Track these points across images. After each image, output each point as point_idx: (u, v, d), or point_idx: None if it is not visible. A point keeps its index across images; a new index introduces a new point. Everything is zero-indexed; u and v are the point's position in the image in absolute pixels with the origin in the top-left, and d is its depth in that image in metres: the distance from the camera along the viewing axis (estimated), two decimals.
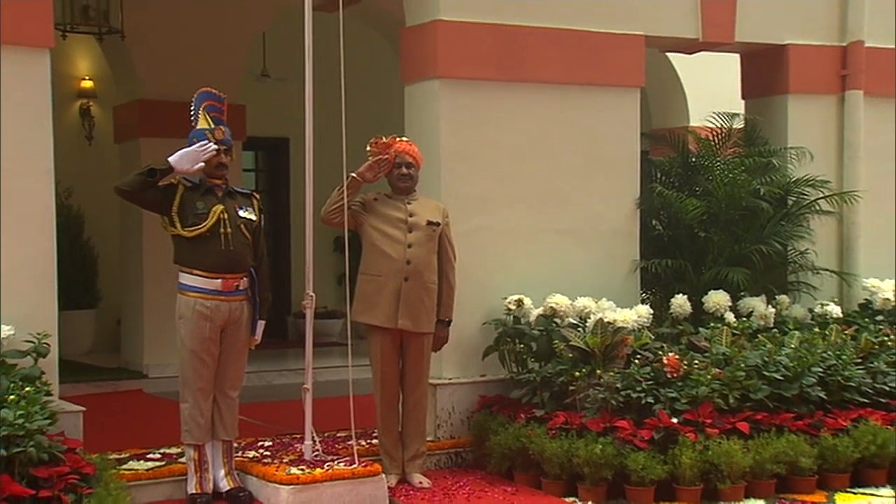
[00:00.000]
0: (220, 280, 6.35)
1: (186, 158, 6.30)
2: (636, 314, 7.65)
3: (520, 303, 7.55)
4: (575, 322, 7.56)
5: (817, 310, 8.69)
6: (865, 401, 7.47)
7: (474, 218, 7.59)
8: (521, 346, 7.50)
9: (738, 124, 9.50)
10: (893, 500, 6.96)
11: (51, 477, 5.24)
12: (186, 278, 6.39)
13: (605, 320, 7.38)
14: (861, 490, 7.07)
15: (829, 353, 7.60)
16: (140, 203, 6.58)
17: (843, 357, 7.59)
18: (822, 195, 8.95)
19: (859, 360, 7.70)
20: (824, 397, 7.31)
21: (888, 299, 8.88)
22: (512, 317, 7.57)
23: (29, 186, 6.32)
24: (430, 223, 6.84)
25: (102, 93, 12.33)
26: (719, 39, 8.87)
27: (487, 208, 7.73)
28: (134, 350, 10.76)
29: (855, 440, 7.12)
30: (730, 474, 6.66)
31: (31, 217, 6.35)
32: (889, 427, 7.29)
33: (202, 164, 6.32)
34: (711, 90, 11.49)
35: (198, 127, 6.45)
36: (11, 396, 5.40)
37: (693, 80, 12.51)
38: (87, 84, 12.56)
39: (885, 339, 8.10)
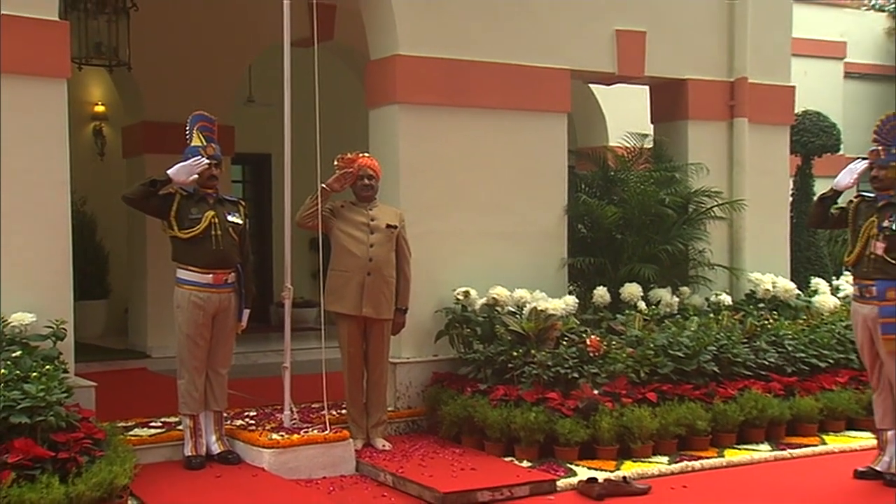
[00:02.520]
0: (211, 275, 6.39)
1: (183, 171, 6.33)
2: (564, 303, 7.66)
3: (466, 294, 7.53)
4: (513, 310, 7.55)
5: (712, 299, 8.76)
6: (749, 373, 7.58)
7: (428, 222, 7.56)
8: (468, 330, 7.50)
9: (648, 144, 9.57)
10: (769, 452, 7.05)
11: (68, 441, 5.24)
12: (182, 273, 6.43)
13: (539, 308, 7.40)
14: (745, 446, 7.15)
15: (722, 334, 7.69)
16: (143, 209, 6.66)
17: (732, 338, 7.70)
18: (715, 203, 9.01)
19: (745, 340, 7.82)
20: (717, 371, 7.39)
21: (768, 290, 8.97)
22: (460, 306, 7.55)
23: (48, 195, 6.27)
24: (389, 226, 6.83)
25: (113, 116, 12.28)
26: (632, 73, 8.90)
27: (439, 214, 7.70)
28: (139, 334, 10.71)
29: (741, 406, 7.21)
30: (640, 436, 6.71)
31: (50, 221, 6.28)
32: (767, 394, 7.39)
33: (196, 175, 6.37)
34: (626, 115, 11.52)
35: (192, 144, 6.46)
36: (34, 373, 5.39)
37: (611, 107, 12.56)
38: (100, 108, 12.52)
39: (766, 322, 8.18)
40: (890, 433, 6.41)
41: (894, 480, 6.27)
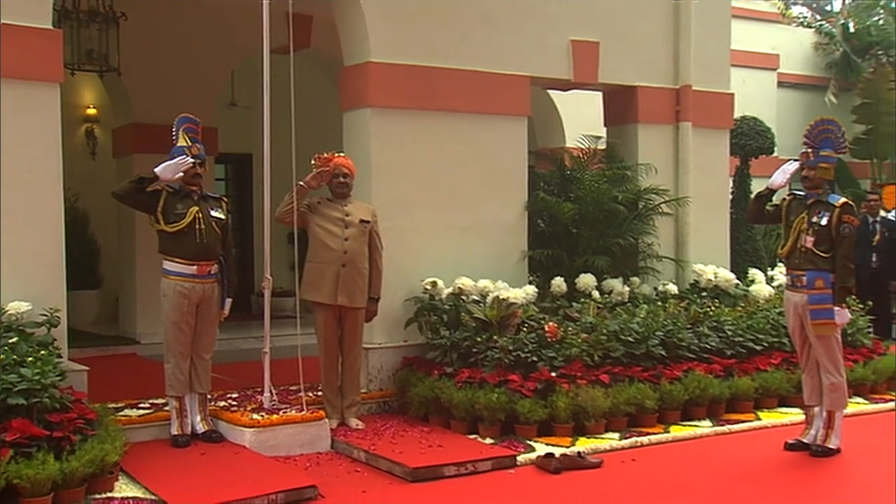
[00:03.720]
0: (195, 266, 6.39)
1: (169, 169, 6.30)
2: (524, 292, 7.68)
3: (434, 284, 7.53)
4: (477, 299, 7.56)
5: (660, 288, 8.81)
6: (693, 356, 7.64)
7: (398, 217, 7.54)
8: (435, 317, 7.49)
9: (601, 145, 9.61)
10: (710, 428, 7.12)
11: (62, 421, 5.24)
12: (168, 265, 6.41)
13: (501, 297, 7.42)
14: (688, 423, 7.22)
15: (668, 321, 7.74)
16: (132, 205, 6.65)
17: (678, 324, 7.76)
18: (663, 200, 9.07)
19: (689, 326, 7.88)
20: (664, 354, 7.46)
21: (710, 280, 9.04)
22: (428, 295, 7.54)
23: (42, 192, 6.21)
24: (362, 221, 6.82)
25: (103, 118, 12.16)
26: (587, 80, 8.92)
27: (408, 210, 7.70)
28: (129, 321, 10.61)
29: (685, 386, 7.28)
30: (594, 414, 6.76)
31: (44, 217, 6.23)
32: (709, 375, 7.47)
33: (181, 173, 6.35)
34: (581, 119, 11.59)
35: (178, 144, 6.43)
36: (30, 358, 5.38)
37: (567, 111, 12.58)
38: (92, 111, 12.40)
39: (708, 310, 8.24)
40: (816, 409, 6.53)
41: (818, 451, 6.39)
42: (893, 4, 18.57)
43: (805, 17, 20.48)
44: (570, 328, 7.29)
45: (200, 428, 6.48)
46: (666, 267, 9.10)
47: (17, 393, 5.10)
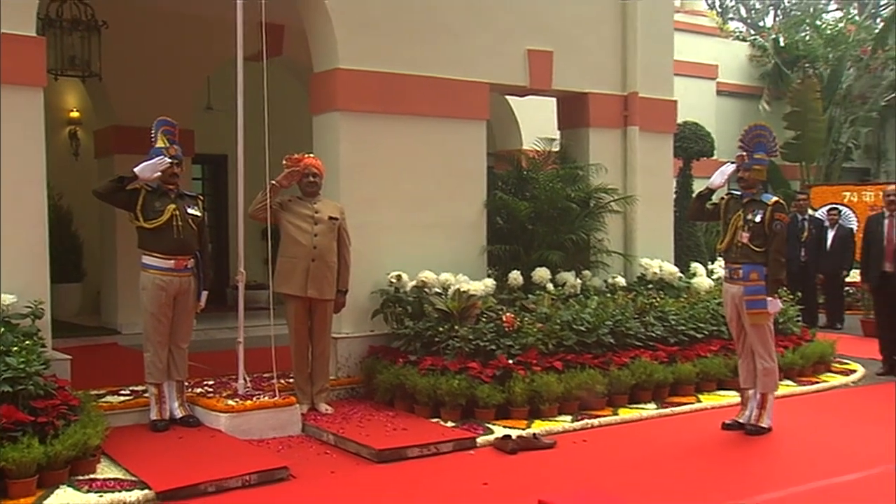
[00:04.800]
0: (173, 260, 6.34)
1: (148, 169, 6.24)
2: (484, 285, 7.69)
3: (399, 277, 7.51)
4: (439, 291, 7.55)
5: (609, 281, 8.85)
6: (640, 344, 7.68)
7: (365, 215, 7.50)
8: (400, 309, 7.48)
9: (555, 148, 9.62)
10: (655, 410, 7.17)
11: (46, 408, 5.20)
12: (147, 259, 6.36)
13: (461, 290, 7.41)
14: (635, 406, 7.26)
15: (617, 311, 7.77)
16: (112, 202, 6.56)
17: (626, 314, 7.79)
18: (612, 199, 9.11)
19: (636, 316, 7.91)
20: (613, 342, 7.49)
21: (655, 273, 9.11)
22: (393, 288, 7.52)
23: (27, 191, 6.11)
24: (331, 218, 6.78)
25: (86, 120, 11.98)
26: (541, 87, 8.93)
27: (375, 208, 7.66)
28: (110, 313, 10.49)
29: (632, 371, 7.32)
30: (548, 398, 6.77)
31: (28, 214, 6.12)
32: (654, 362, 7.51)
33: (159, 173, 6.29)
34: (537, 122, 11.60)
35: (156, 145, 6.36)
36: (15, 348, 5.33)
37: (524, 115, 12.57)
38: (75, 114, 12.21)
39: (653, 301, 8.28)
40: (750, 391, 6.61)
41: (752, 430, 6.46)
42: (818, 22, 18.87)
43: (741, 32, 20.66)
44: (526, 318, 7.29)
45: (178, 413, 6.44)
46: (615, 261, 9.13)
47: (3, 381, 5.06)
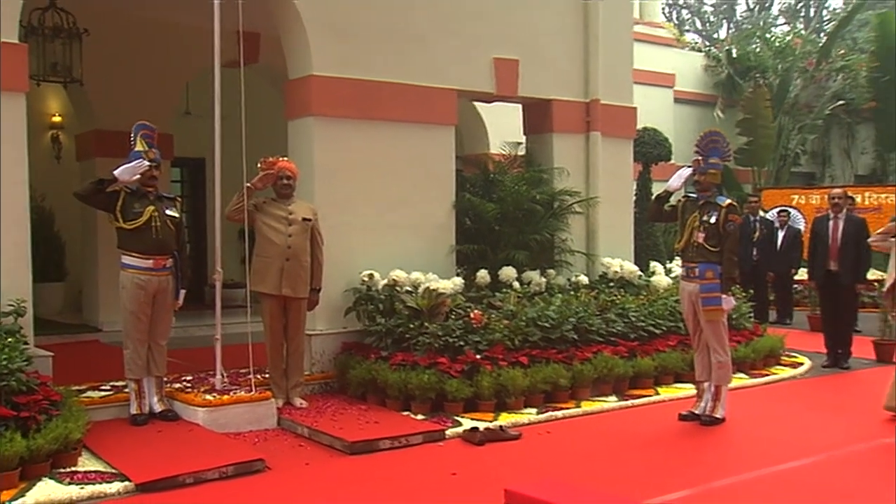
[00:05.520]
0: (151, 260, 6.28)
1: (127, 172, 6.17)
2: (452, 283, 7.66)
3: (371, 276, 7.47)
4: (410, 289, 7.52)
5: (573, 279, 8.86)
6: (601, 340, 7.70)
7: (338, 216, 7.47)
8: (372, 306, 7.44)
9: (521, 152, 9.63)
10: (616, 402, 7.20)
11: (28, 403, 5.15)
12: (127, 259, 6.30)
13: (431, 288, 7.38)
14: (597, 398, 7.28)
15: (580, 308, 7.79)
16: (93, 204, 6.48)
17: (589, 311, 7.81)
18: (575, 201, 9.13)
19: (598, 313, 7.93)
20: (576, 338, 7.50)
21: (616, 271, 9.12)
22: (365, 286, 7.49)
23: (10, 193, 6.00)
24: (304, 219, 6.74)
25: (68, 125, 11.83)
26: (508, 93, 8.93)
27: (348, 209, 7.61)
28: (92, 311, 10.34)
29: (594, 366, 7.34)
30: (514, 392, 6.78)
31: (11, 215, 6.01)
32: (615, 356, 7.54)
33: (138, 175, 6.22)
34: (503, 127, 11.59)
35: (136, 149, 6.30)
36: None
37: (491, 120, 12.58)
38: (57, 119, 12.04)
39: (615, 298, 8.31)
40: (706, 384, 6.65)
41: (707, 420, 6.51)
42: (767, 36, 19.08)
43: (696, 43, 20.88)
44: (493, 315, 7.29)
45: (157, 408, 6.37)
46: (578, 260, 9.16)
47: None
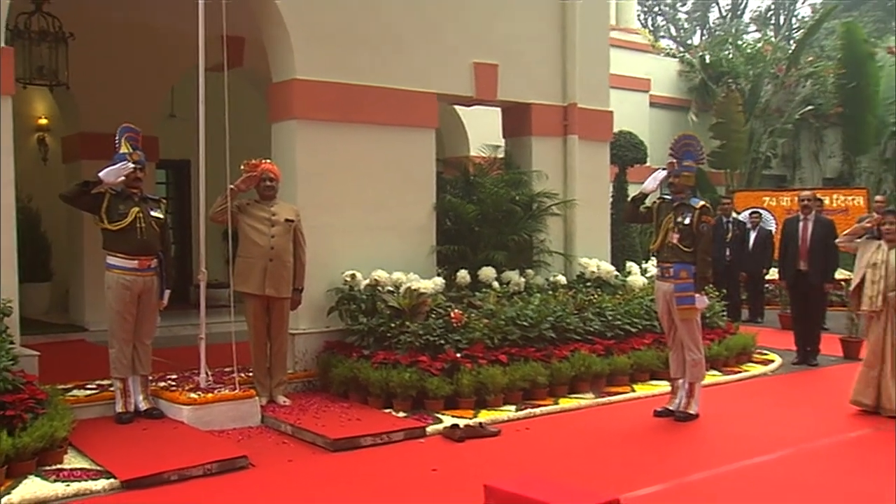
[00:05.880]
0: (136, 261, 6.24)
1: (112, 173, 6.13)
2: (433, 283, 7.65)
3: (353, 276, 7.46)
4: (391, 289, 7.50)
5: (551, 279, 8.86)
6: (579, 338, 7.72)
7: (321, 217, 7.44)
8: (354, 306, 7.41)
9: (500, 154, 9.63)
10: (593, 399, 7.21)
11: (14, 401, 5.11)
12: (112, 259, 6.25)
13: (412, 288, 7.38)
14: (574, 395, 7.30)
15: (558, 307, 7.81)
16: (78, 206, 6.43)
17: (566, 310, 7.84)
18: (553, 202, 9.15)
19: (576, 312, 7.95)
20: (554, 336, 7.52)
21: (593, 271, 9.14)
22: (347, 286, 7.46)
23: None
24: (287, 220, 6.73)
25: (54, 127, 11.73)
26: (487, 97, 8.94)
27: (330, 210, 7.59)
28: (78, 311, 10.26)
29: (572, 364, 7.36)
30: (493, 390, 6.78)
31: None
32: (592, 354, 7.56)
33: (123, 177, 6.19)
34: (483, 131, 11.57)
35: (120, 151, 6.26)
36: None
37: (471, 124, 12.57)
38: (43, 121, 11.94)
39: (592, 298, 8.33)
40: (680, 381, 6.69)
41: (681, 416, 6.55)
42: (739, 42, 19.22)
43: (671, 49, 20.96)
44: (473, 315, 7.29)
45: (142, 406, 6.33)
46: (556, 260, 9.18)
47: None
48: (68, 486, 4.82)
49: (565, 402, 7.06)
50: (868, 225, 7.08)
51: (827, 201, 13.79)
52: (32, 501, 4.65)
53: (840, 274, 10.31)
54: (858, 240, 7.01)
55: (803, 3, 34.89)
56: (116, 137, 6.27)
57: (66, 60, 8.95)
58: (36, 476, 4.93)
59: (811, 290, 9.22)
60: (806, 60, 18.71)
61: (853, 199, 14.66)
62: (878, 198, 14.13)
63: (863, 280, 6.80)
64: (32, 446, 4.97)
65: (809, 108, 17.87)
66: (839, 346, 9.43)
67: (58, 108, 10.78)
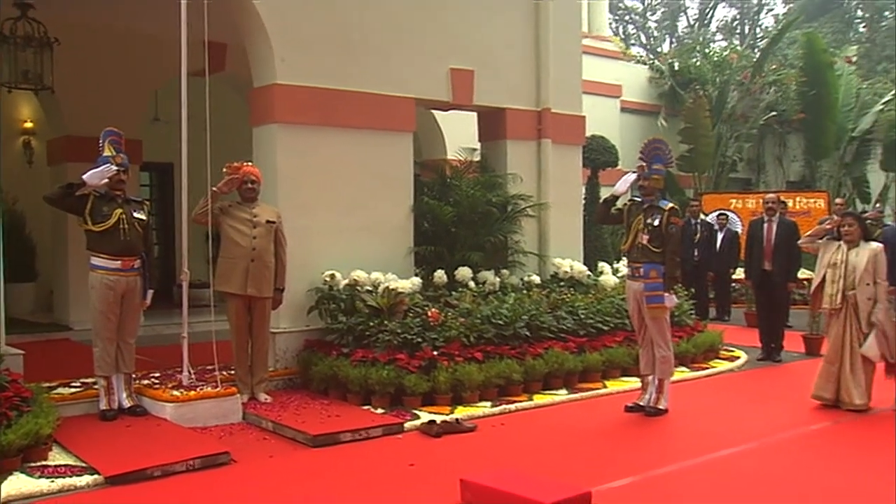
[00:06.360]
0: (119, 261, 6.19)
1: (96, 176, 6.08)
2: (411, 283, 7.65)
3: (332, 276, 7.44)
4: (370, 289, 7.49)
5: (525, 279, 8.87)
6: (552, 336, 7.72)
7: (301, 218, 7.42)
8: (333, 305, 7.40)
9: (476, 157, 9.64)
10: (566, 395, 7.23)
11: None
12: (95, 260, 6.20)
13: (390, 287, 7.38)
14: (548, 392, 7.32)
15: (532, 306, 7.81)
16: (63, 207, 6.37)
17: (540, 309, 7.84)
18: (528, 204, 9.17)
19: (549, 311, 7.95)
20: (528, 335, 7.52)
21: (567, 271, 9.17)
22: (327, 286, 7.45)
23: None
24: (268, 222, 6.71)
25: (39, 131, 11.58)
26: (463, 102, 8.96)
27: (310, 212, 7.57)
28: (62, 310, 10.15)
29: (545, 361, 7.37)
30: (469, 386, 6.79)
31: None
32: (565, 352, 7.58)
33: (107, 179, 6.13)
34: (459, 134, 11.60)
35: (104, 154, 6.20)
36: None
37: (448, 127, 12.56)
38: (29, 125, 11.78)
39: (565, 297, 8.35)
40: (650, 377, 6.73)
41: (651, 412, 6.59)
42: (706, 50, 19.37)
43: (641, 56, 21.05)
44: (449, 313, 7.29)
45: (126, 403, 6.29)
46: (530, 261, 9.20)
47: None
48: (53, 482, 4.78)
49: (539, 399, 7.09)
50: (828, 226, 7.17)
51: (790, 204, 13.94)
52: (18, 497, 4.60)
53: (802, 273, 10.43)
54: (819, 241, 7.09)
55: (767, 13, 35.32)
56: (100, 141, 6.21)
57: (51, 65, 8.88)
58: (21, 472, 4.88)
59: (775, 289, 9.31)
60: (770, 68, 18.90)
61: (815, 202, 14.85)
62: (837, 200, 14.36)
63: (824, 279, 6.89)
64: (18, 443, 4.92)
65: (773, 114, 18.05)
66: (801, 343, 9.54)
67: (43, 111, 10.66)
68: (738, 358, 9.20)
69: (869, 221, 9.00)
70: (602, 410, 6.82)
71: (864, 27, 32.00)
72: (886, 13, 30.32)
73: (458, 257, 8.48)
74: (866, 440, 6.00)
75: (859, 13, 32.30)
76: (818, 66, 17.94)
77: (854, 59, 20.48)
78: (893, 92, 19.00)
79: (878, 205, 18.06)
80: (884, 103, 18.57)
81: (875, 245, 6.85)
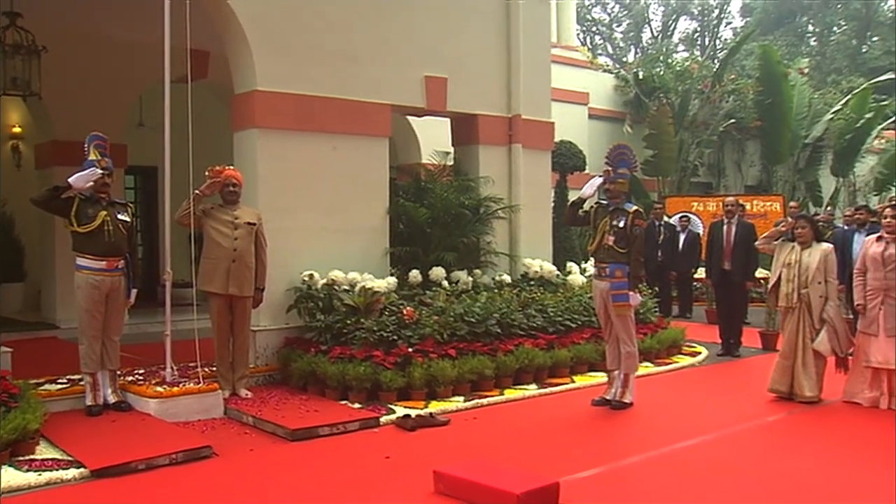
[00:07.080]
0: (104, 262, 6.15)
1: (81, 179, 6.04)
2: (387, 283, 7.65)
3: (311, 276, 7.42)
4: (347, 288, 7.49)
5: (497, 278, 8.89)
6: (523, 333, 7.75)
7: (281, 220, 7.39)
8: (312, 304, 7.38)
9: (450, 162, 9.65)
10: (536, 390, 7.26)
11: None
12: (81, 261, 6.16)
13: (367, 287, 7.38)
14: (519, 387, 7.34)
15: (503, 305, 7.83)
16: (49, 210, 6.31)
17: (511, 307, 7.86)
18: (499, 207, 9.18)
19: (520, 309, 7.98)
20: (500, 332, 7.55)
21: (536, 271, 9.20)
22: (306, 285, 7.43)
23: None
24: (249, 223, 6.68)
25: (28, 135, 11.45)
26: (437, 109, 8.97)
27: (289, 214, 7.54)
28: (50, 309, 10.04)
29: (516, 357, 7.40)
30: (443, 382, 6.80)
31: None
32: (535, 348, 7.60)
33: (92, 183, 6.09)
34: (434, 139, 11.61)
35: (89, 158, 6.17)
36: None
37: (423, 133, 12.57)
38: (17, 130, 11.64)
39: (535, 295, 8.38)
40: (616, 372, 6.77)
41: (617, 405, 6.64)
42: (669, 60, 19.55)
43: (608, 65, 21.21)
44: (424, 312, 7.30)
45: (111, 399, 6.24)
46: (501, 261, 9.22)
47: None
48: (40, 475, 4.74)
49: (510, 393, 7.11)
50: (783, 228, 7.27)
51: (748, 207, 14.13)
52: (6, 490, 4.56)
53: (760, 273, 10.56)
54: (775, 242, 7.19)
55: (726, 26, 35.72)
56: (86, 145, 6.17)
57: (38, 72, 8.83)
58: (9, 466, 4.84)
59: (734, 287, 9.43)
60: (729, 78, 19.11)
61: (771, 205, 15.05)
62: (792, 203, 14.56)
63: (779, 278, 6.99)
64: (6, 438, 4.89)
65: (732, 121, 18.26)
66: (759, 339, 9.67)
67: (31, 117, 10.56)
68: (700, 353, 9.30)
69: (821, 223, 9.15)
70: (570, 404, 6.86)
71: (814, 41, 32.54)
72: (835, 29, 30.86)
73: (432, 258, 8.48)
74: (818, 430, 6.10)
75: (811, 28, 32.83)
76: (774, 76, 18.19)
77: (806, 70, 20.81)
78: (842, 102, 19.34)
79: (829, 208, 18.32)
80: (833, 112, 18.91)
81: (826, 246, 6.96)
